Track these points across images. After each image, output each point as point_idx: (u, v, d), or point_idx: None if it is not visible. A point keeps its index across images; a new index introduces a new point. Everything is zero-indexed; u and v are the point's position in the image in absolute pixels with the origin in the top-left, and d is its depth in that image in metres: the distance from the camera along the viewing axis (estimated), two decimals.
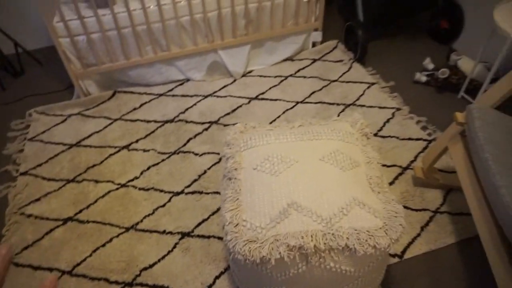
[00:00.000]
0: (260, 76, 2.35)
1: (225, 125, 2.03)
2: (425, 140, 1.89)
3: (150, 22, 2.04)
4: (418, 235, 1.51)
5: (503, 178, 1.11)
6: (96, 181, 1.76)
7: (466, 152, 1.39)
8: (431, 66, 2.28)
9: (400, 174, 1.74)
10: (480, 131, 1.25)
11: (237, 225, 1.04)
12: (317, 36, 2.46)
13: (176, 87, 2.29)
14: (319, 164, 1.14)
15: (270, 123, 2.01)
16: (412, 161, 1.79)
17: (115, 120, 2.09)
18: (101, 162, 1.86)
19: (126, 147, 1.93)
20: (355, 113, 1.35)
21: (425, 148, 1.85)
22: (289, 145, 1.20)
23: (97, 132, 2.02)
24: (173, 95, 2.23)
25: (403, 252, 1.47)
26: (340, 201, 1.05)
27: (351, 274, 1.08)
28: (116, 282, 1.41)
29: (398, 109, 2.07)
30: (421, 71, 2.28)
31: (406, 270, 1.43)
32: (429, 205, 1.61)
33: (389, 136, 1.91)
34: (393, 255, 1.45)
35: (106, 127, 2.05)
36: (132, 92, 2.25)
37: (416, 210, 1.59)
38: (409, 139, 1.90)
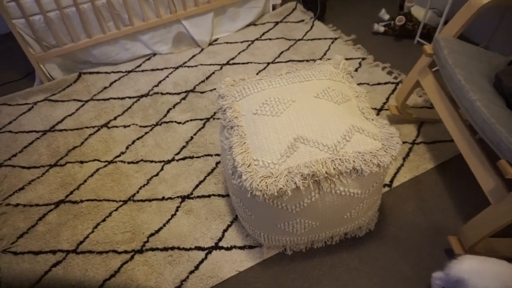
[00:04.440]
0: (227, 43, 2.35)
1: (202, 92, 2.03)
2: (392, 83, 2.02)
3: None
4: (402, 165, 1.65)
5: (475, 94, 1.24)
6: (81, 162, 1.71)
7: (435, 81, 1.52)
8: (386, 16, 2.41)
9: (377, 115, 1.86)
10: (449, 58, 1.38)
11: (249, 165, 1.09)
12: None
13: (143, 62, 2.24)
14: (315, 100, 1.20)
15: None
16: (384, 103, 1.92)
17: (87, 101, 2.01)
18: (82, 143, 1.80)
19: (105, 125, 1.88)
20: (335, 55, 1.42)
21: (394, 90, 1.99)
22: (283, 88, 1.25)
23: (70, 115, 1.94)
24: (143, 70, 2.18)
25: (391, 181, 1.59)
26: (341, 129, 1.13)
27: (358, 196, 1.17)
28: (125, 252, 1.41)
29: (363, 59, 2.18)
30: (378, 22, 2.41)
31: (396, 196, 1.56)
32: (407, 138, 1.75)
33: (360, 83, 2.02)
34: (384, 186, 1.57)
35: (78, 109, 1.97)
36: (98, 72, 2.17)
37: None
38: (378, 83, 2.02)
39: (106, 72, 2.18)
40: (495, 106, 1.22)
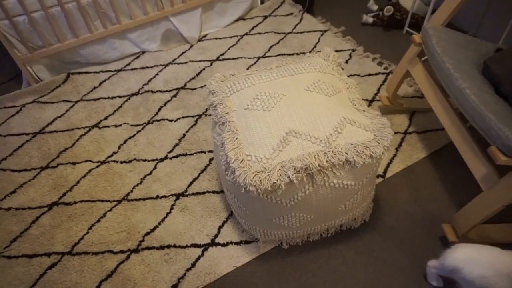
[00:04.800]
0: (216, 38, 2.34)
1: (193, 89, 2.02)
2: (383, 73, 2.03)
3: None
4: (395, 155, 1.66)
5: (464, 82, 1.25)
6: (73, 163, 1.70)
7: (425, 70, 1.53)
8: (375, 7, 2.41)
9: (368, 106, 1.86)
10: (438, 46, 1.38)
11: (242, 160, 1.08)
12: None
13: (133, 60, 2.21)
14: (305, 93, 1.20)
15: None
16: (375, 94, 1.93)
17: (76, 102, 1.99)
18: (73, 144, 1.78)
19: (96, 125, 1.86)
20: (325, 48, 1.42)
21: (384, 80, 1.99)
22: (274, 83, 1.25)
23: (60, 116, 1.92)
24: (132, 69, 2.16)
25: (385, 172, 1.60)
26: (332, 121, 1.13)
27: (351, 188, 1.17)
28: (121, 251, 1.40)
29: (353, 50, 2.18)
30: (367, 13, 2.41)
31: (390, 186, 1.57)
32: (399, 128, 1.76)
33: (351, 75, 2.02)
34: (377, 176, 1.58)
35: (68, 110, 1.95)
36: (86, 72, 2.15)
37: None
38: (369, 75, 2.03)
39: (95, 72, 2.15)
40: (484, 93, 1.23)
